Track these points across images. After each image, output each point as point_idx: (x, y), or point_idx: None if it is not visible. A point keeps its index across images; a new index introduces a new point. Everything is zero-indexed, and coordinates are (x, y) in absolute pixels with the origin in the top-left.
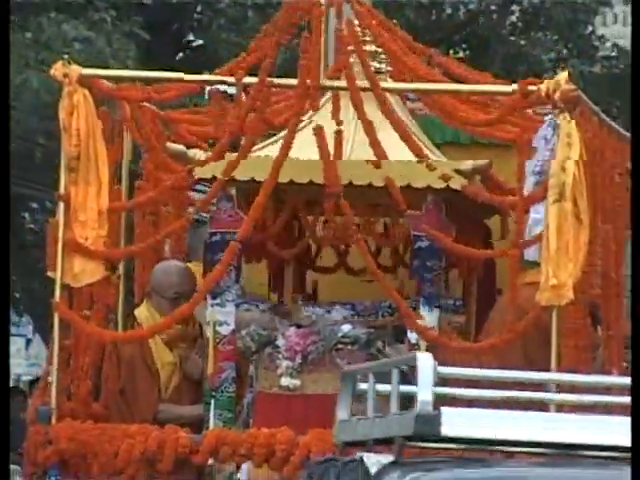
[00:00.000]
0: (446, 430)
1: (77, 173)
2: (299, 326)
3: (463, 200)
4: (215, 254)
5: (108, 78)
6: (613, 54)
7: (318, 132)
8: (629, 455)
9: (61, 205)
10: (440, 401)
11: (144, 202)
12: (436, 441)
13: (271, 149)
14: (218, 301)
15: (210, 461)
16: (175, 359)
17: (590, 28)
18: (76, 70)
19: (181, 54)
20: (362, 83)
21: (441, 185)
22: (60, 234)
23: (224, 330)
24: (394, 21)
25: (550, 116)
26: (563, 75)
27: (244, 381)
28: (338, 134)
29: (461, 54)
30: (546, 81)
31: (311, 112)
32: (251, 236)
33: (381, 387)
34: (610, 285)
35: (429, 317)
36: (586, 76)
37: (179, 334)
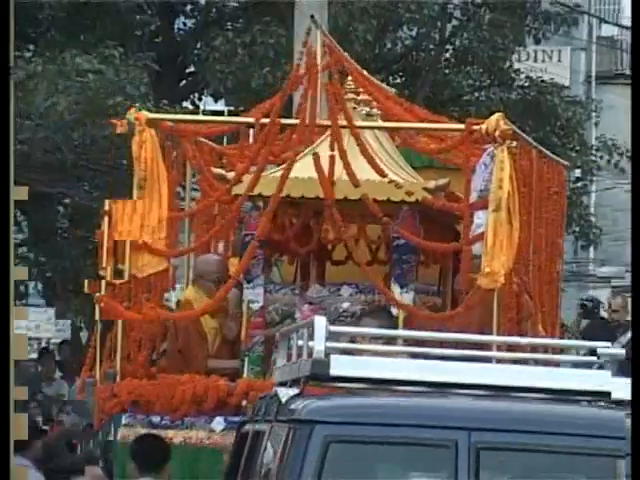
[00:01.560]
0: (334, 371)
1: (144, 190)
2: (311, 303)
3: (433, 210)
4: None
5: (168, 120)
6: (526, 84)
7: (315, 158)
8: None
9: None
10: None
11: (193, 212)
12: (329, 380)
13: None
14: (251, 285)
15: (243, 402)
16: (216, 325)
17: (508, 63)
18: (144, 114)
19: (184, 81)
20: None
21: (411, 199)
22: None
23: (255, 306)
24: (346, 53)
25: (489, 149)
26: (500, 117)
27: (270, 344)
28: (331, 158)
29: (398, 80)
30: (487, 121)
31: (315, 144)
32: (276, 238)
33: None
34: (543, 273)
35: (405, 296)
36: (504, 101)
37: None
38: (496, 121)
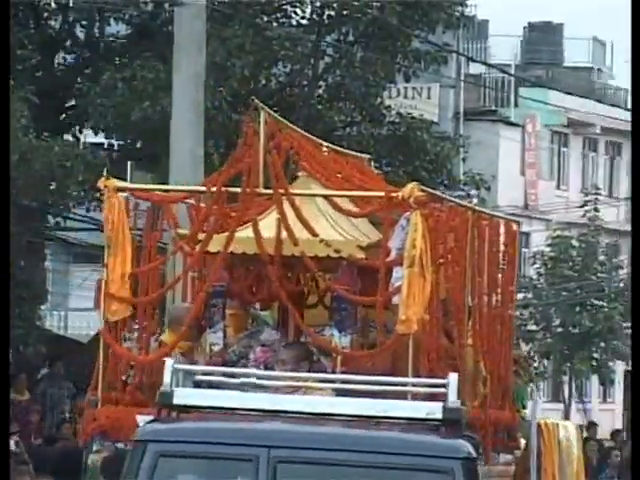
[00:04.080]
0: (177, 401)
1: (111, 249)
2: (264, 345)
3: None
4: (213, 299)
5: (134, 189)
6: (396, 120)
7: (253, 223)
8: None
9: (104, 269)
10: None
11: (150, 268)
12: (174, 408)
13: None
14: (214, 330)
15: None
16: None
17: (379, 99)
18: (113, 182)
19: (64, 115)
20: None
21: (337, 255)
22: (103, 287)
23: (216, 348)
24: (221, 89)
25: (406, 214)
26: (415, 186)
27: None
28: (277, 221)
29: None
30: (402, 190)
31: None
32: (233, 289)
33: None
34: (486, 317)
35: (344, 339)
36: (375, 137)
37: (187, 349)
38: (410, 189)
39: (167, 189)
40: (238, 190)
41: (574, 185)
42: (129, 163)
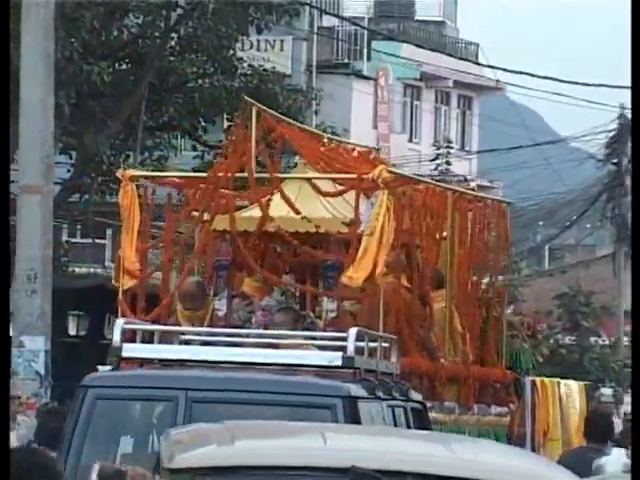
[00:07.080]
0: (125, 354)
1: (124, 229)
2: (264, 310)
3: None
4: (220, 271)
5: (148, 177)
6: (249, 72)
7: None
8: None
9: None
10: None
11: (154, 245)
12: (123, 360)
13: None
14: (218, 297)
15: None
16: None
17: (231, 51)
18: (129, 172)
19: None
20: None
21: (319, 230)
22: (121, 262)
23: (220, 313)
24: (72, 40)
25: (375, 193)
26: (383, 168)
27: None
28: (267, 201)
29: (124, 67)
30: (372, 172)
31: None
32: (241, 262)
33: None
34: (465, 285)
35: (331, 304)
36: (227, 89)
37: (190, 316)
38: (379, 171)
39: (179, 176)
40: (244, 175)
41: (426, 138)
42: None
